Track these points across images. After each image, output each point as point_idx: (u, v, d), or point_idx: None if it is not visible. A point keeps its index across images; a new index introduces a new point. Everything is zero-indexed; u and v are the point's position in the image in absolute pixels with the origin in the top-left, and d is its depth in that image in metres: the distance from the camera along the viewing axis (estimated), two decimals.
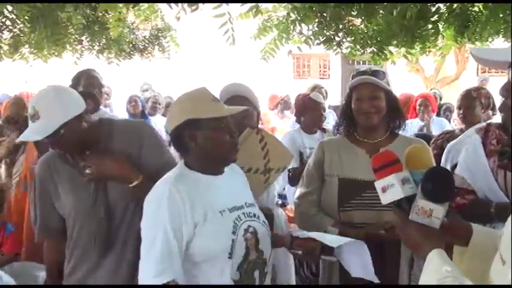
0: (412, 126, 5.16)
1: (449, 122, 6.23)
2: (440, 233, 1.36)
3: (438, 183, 1.35)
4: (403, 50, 4.32)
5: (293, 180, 3.57)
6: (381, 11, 4.03)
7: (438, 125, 5.58)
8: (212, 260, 1.76)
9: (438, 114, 6.28)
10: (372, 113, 2.35)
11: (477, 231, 1.46)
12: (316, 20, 4.03)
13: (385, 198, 1.40)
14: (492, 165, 2.30)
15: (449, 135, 3.50)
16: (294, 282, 2.63)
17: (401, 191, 1.36)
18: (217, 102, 1.88)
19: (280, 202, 2.67)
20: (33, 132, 2.05)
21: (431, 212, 1.33)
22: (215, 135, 1.81)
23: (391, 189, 1.38)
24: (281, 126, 6.43)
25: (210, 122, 1.79)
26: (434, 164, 1.51)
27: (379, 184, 1.41)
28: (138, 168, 2.06)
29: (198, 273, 1.77)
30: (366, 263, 1.95)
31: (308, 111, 3.99)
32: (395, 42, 4.15)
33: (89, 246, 2.13)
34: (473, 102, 3.62)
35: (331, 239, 1.97)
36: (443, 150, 2.64)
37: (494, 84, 3.61)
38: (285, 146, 2.56)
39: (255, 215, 1.89)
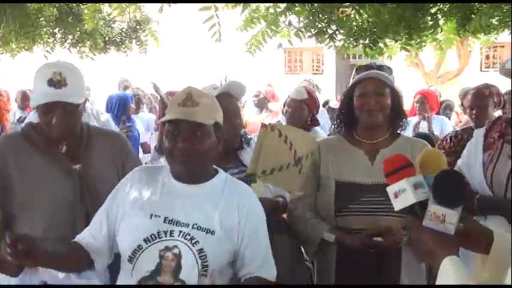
0: (410, 125, 5.17)
1: (449, 120, 6.26)
2: (455, 240, 1.36)
3: (449, 186, 1.34)
4: (396, 43, 4.28)
5: None
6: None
7: (438, 124, 5.60)
8: (122, 254, 1.81)
9: (437, 112, 6.30)
10: (376, 111, 2.32)
11: (499, 238, 1.45)
12: (307, 11, 4.00)
13: (398, 205, 1.40)
14: (486, 158, 2.35)
15: (467, 135, 3.29)
16: None
17: (413, 196, 1.36)
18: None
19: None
20: (62, 95, 2.04)
21: (444, 218, 1.34)
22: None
23: (403, 194, 1.38)
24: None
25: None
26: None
27: (391, 190, 1.41)
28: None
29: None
30: None
31: (289, 109, 4.01)
32: (390, 34, 4.12)
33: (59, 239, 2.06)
34: (486, 101, 3.60)
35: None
36: (458, 155, 2.64)
37: (496, 80, 3.58)
38: (303, 131, 2.61)
39: (195, 242, 1.73)
